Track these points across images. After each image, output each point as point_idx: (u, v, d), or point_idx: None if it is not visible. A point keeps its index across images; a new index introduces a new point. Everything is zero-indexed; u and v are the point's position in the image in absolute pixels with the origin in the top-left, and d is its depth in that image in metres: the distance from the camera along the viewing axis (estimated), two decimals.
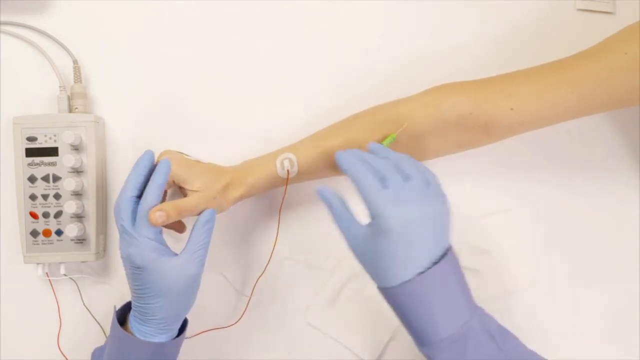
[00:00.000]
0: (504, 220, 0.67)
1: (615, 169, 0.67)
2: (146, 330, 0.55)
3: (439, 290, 0.49)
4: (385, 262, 0.50)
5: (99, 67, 0.66)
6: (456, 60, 0.66)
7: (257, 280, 0.65)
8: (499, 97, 0.57)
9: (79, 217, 0.63)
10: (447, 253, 0.51)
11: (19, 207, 0.63)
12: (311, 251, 0.66)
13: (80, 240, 0.63)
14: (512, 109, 0.56)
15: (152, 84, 0.66)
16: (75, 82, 0.64)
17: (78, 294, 0.66)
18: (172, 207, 0.54)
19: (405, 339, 0.54)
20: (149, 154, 0.57)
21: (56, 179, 0.62)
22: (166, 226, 0.60)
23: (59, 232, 0.63)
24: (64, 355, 0.65)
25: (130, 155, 0.64)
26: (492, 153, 0.63)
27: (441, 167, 0.64)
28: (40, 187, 0.63)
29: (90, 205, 0.63)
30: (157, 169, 0.56)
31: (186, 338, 0.65)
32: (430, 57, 0.67)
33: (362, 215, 0.51)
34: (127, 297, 0.57)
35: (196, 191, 0.57)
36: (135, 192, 0.55)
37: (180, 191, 0.59)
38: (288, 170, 0.60)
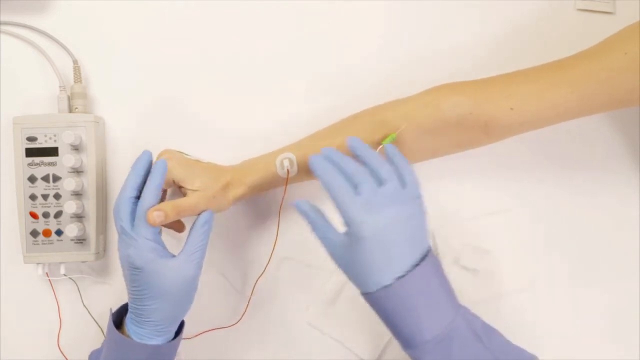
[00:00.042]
0: (504, 220, 0.67)
1: (615, 169, 0.67)
2: (143, 333, 0.55)
3: (420, 292, 0.50)
4: (364, 269, 0.50)
5: (99, 67, 0.66)
6: (456, 60, 0.66)
7: (257, 280, 0.65)
8: (499, 97, 0.57)
9: (79, 217, 0.63)
10: (426, 255, 0.51)
11: (19, 207, 0.63)
12: (311, 251, 0.66)
13: (80, 240, 0.63)
14: (512, 109, 0.56)
15: (152, 84, 0.67)
16: (75, 82, 0.64)
17: (78, 294, 0.66)
18: (171, 207, 0.54)
19: None
20: (147, 154, 0.57)
21: (56, 179, 0.63)
22: (165, 225, 0.60)
23: (59, 232, 0.63)
24: (64, 355, 0.65)
25: (130, 155, 0.64)
26: (492, 153, 0.63)
27: (441, 167, 0.65)
28: (40, 187, 0.63)
29: (90, 205, 0.63)
30: (153, 170, 0.56)
31: (187, 338, 0.65)
32: (430, 57, 0.67)
33: (340, 223, 0.52)
34: (127, 297, 0.57)
35: (196, 190, 0.57)
36: (134, 193, 0.55)
37: (180, 190, 0.59)
38: (288, 170, 0.60)
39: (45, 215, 0.63)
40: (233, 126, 0.67)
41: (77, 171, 0.63)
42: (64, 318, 0.66)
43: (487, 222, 0.67)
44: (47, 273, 0.64)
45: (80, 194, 0.63)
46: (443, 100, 0.58)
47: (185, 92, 0.67)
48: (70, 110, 0.64)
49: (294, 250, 0.67)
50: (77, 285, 0.65)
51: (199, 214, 0.57)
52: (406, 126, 0.58)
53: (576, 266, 0.67)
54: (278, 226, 0.64)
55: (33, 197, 0.62)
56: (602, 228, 0.67)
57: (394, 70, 0.67)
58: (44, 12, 0.66)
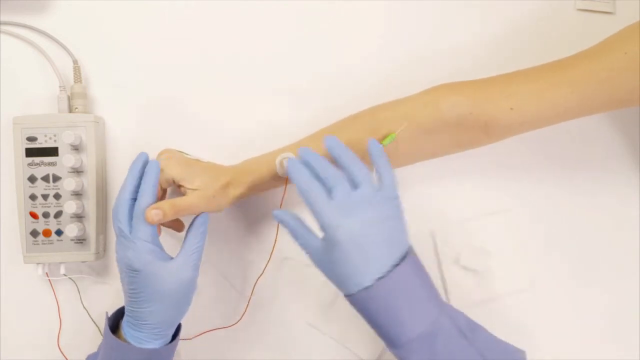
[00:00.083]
0: (504, 220, 0.67)
1: (615, 169, 0.67)
2: (140, 336, 0.55)
3: (401, 292, 0.50)
4: (343, 271, 0.51)
5: (99, 67, 0.66)
6: (456, 60, 0.66)
7: (257, 280, 0.65)
8: (498, 97, 0.57)
9: (79, 217, 0.63)
10: (406, 255, 0.51)
11: (19, 207, 0.63)
12: None
13: (80, 240, 0.63)
14: (512, 109, 0.56)
15: (152, 84, 0.66)
16: (75, 82, 0.64)
17: (78, 294, 0.66)
18: (169, 206, 0.54)
19: None
20: (143, 155, 0.57)
21: (56, 179, 0.62)
22: (164, 225, 0.60)
23: (59, 232, 0.63)
24: (64, 355, 0.65)
25: (130, 155, 0.64)
26: (492, 153, 0.63)
27: (441, 167, 0.65)
28: (40, 187, 0.63)
29: (90, 205, 0.63)
30: (147, 170, 0.56)
31: (187, 338, 0.65)
32: (430, 57, 0.67)
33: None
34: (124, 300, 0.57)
35: (195, 190, 0.57)
36: (132, 195, 0.55)
37: (179, 190, 0.59)
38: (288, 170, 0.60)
39: (45, 215, 0.63)
40: (233, 126, 0.67)
41: (77, 171, 0.63)
42: (64, 318, 0.66)
43: (487, 222, 0.67)
44: (47, 273, 0.64)
45: (80, 194, 0.63)
46: (442, 100, 0.58)
47: (185, 92, 0.67)
48: (70, 110, 0.64)
49: (294, 250, 0.66)
50: (76, 285, 0.65)
51: (196, 216, 0.57)
52: (406, 126, 0.58)
53: (576, 266, 0.67)
54: (278, 226, 0.64)
55: (33, 197, 0.62)
56: (602, 228, 0.67)
57: (394, 70, 0.67)
58: (44, 12, 0.66)
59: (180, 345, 0.60)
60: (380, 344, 0.66)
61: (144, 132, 0.66)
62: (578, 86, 0.55)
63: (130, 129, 0.66)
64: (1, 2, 0.65)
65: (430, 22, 0.67)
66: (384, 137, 0.58)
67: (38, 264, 0.64)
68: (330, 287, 0.67)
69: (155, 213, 0.53)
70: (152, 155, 0.60)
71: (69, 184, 0.61)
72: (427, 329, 0.49)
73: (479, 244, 0.66)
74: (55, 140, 0.62)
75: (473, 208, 0.67)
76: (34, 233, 0.63)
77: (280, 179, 0.61)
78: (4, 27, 0.66)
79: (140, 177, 0.56)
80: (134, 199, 0.55)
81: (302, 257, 0.67)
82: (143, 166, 0.56)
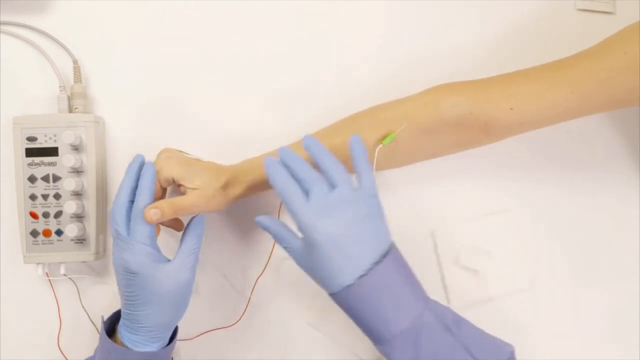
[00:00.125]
0: (504, 220, 0.67)
1: (615, 169, 0.67)
2: (137, 339, 0.54)
3: (384, 289, 0.50)
4: (325, 271, 0.51)
5: (99, 67, 0.66)
6: (456, 60, 0.66)
7: (257, 280, 0.65)
8: (498, 97, 0.57)
9: (79, 217, 0.63)
10: (388, 252, 0.51)
11: (19, 207, 0.63)
12: None
13: (80, 240, 0.63)
14: (512, 109, 0.56)
15: (152, 84, 0.66)
16: (75, 82, 0.64)
17: (78, 294, 0.65)
18: (167, 205, 0.54)
19: None
20: (139, 157, 0.57)
21: (56, 179, 0.62)
22: (164, 224, 0.60)
23: (59, 232, 0.63)
24: (64, 355, 0.65)
25: (130, 155, 0.64)
26: (492, 153, 0.63)
27: (441, 167, 0.65)
28: (40, 187, 0.63)
29: (90, 205, 0.63)
30: (143, 172, 0.56)
31: (187, 339, 0.65)
32: (430, 57, 0.67)
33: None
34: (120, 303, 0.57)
35: (195, 189, 0.57)
36: (129, 197, 0.55)
37: (179, 189, 0.59)
38: None
39: (45, 215, 0.63)
40: (233, 126, 0.67)
41: (77, 171, 0.63)
42: (64, 318, 0.66)
43: (487, 222, 0.67)
44: (47, 273, 0.64)
45: (80, 194, 0.63)
46: (442, 100, 0.58)
47: (185, 92, 0.67)
48: (70, 110, 0.64)
49: None
50: (76, 285, 0.65)
51: (192, 217, 0.57)
52: (406, 126, 0.58)
53: (576, 266, 0.67)
54: None
55: (33, 197, 0.62)
56: (602, 228, 0.67)
57: (394, 70, 0.67)
58: (44, 12, 0.66)
59: (180, 345, 0.60)
60: None
61: (144, 132, 0.66)
62: (578, 86, 0.55)
63: (130, 129, 0.66)
64: (1, 2, 0.65)
65: (430, 22, 0.67)
66: (384, 137, 0.58)
67: (38, 264, 0.64)
68: None
69: (154, 212, 0.53)
70: (152, 155, 0.60)
71: (69, 184, 0.61)
72: (411, 324, 0.50)
73: (479, 244, 0.66)
74: (55, 140, 0.62)
75: (473, 208, 0.67)
76: (34, 233, 0.63)
77: None
78: (4, 27, 0.66)
79: (137, 179, 0.56)
80: (131, 201, 0.55)
81: None
82: (139, 168, 0.57)
